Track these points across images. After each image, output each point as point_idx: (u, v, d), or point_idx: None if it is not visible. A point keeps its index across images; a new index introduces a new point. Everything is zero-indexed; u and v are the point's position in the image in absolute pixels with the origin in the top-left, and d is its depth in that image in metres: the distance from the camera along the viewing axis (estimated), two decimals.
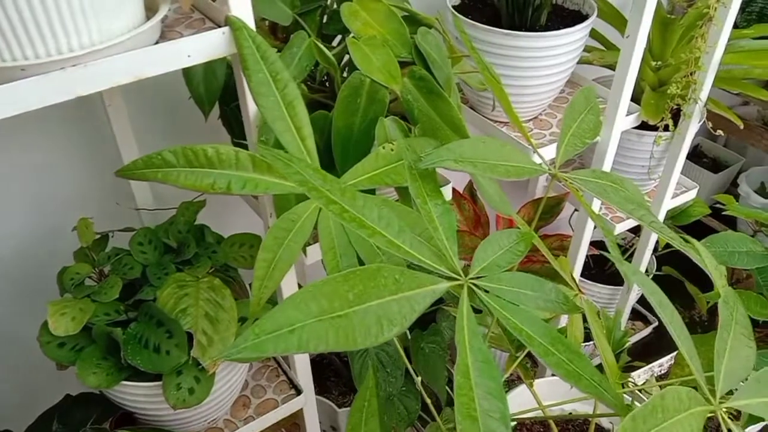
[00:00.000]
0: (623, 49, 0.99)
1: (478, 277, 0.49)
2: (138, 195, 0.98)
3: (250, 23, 0.67)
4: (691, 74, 1.09)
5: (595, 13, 1.05)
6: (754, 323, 1.04)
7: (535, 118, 1.16)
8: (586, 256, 1.54)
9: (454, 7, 1.11)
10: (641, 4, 0.93)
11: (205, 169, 0.57)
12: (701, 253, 0.67)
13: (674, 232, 0.66)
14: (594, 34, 1.25)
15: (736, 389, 0.49)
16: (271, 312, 0.37)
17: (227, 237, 0.90)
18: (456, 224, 0.52)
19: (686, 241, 0.75)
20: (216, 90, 0.80)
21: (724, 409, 0.50)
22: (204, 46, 0.64)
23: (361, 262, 0.61)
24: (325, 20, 0.89)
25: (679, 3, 1.09)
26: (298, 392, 0.99)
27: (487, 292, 0.48)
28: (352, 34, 0.78)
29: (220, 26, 0.68)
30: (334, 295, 0.39)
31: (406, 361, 0.71)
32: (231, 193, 0.57)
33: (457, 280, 0.47)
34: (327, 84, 0.86)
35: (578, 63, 1.12)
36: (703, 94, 1.12)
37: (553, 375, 0.96)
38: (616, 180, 0.66)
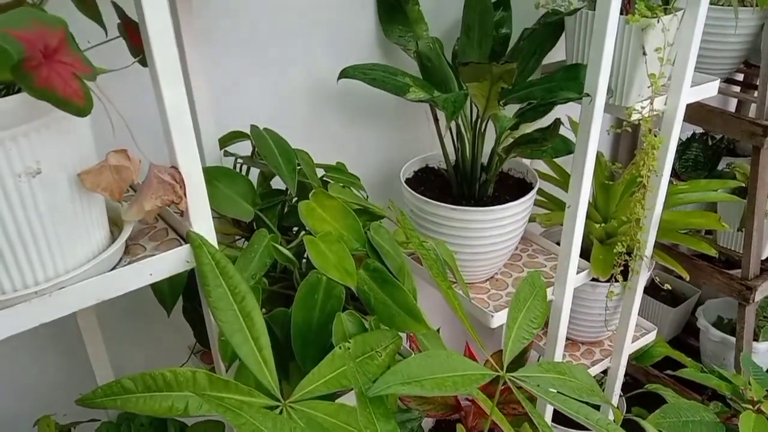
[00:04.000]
0: (566, 219, 1.06)
1: None
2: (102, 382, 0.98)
3: (211, 237, 0.71)
4: (633, 234, 1.16)
5: (538, 183, 1.13)
6: None
7: (491, 278, 1.21)
8: None
9: (407, 180, 1.19)
10: (578, 184, 1.01)
11: (163, 393, 0.59)
12: None
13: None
14: (541, 192, 1.34)
15: None
16: None
17: (190, 426, 0.90)
18: None
19: (638, 415, 0.77)
20: (179, 286, 0.83)
21: None
22: (165, 265, 0.68)
23: None
24: (285, 210, 0.94)
25: (616, 170, 1.19)
26: None
27: None
28: (309, 231, 0.83)
29: (183, 237, 0.73)
30: None
31: None
32: (189, 415, 0.59)
33: None
34: (287, 272, 0.90)
35: (528, 222, 1.19)
36: (648, 251, 1.19)
37: None
38: (563, 370, 0.69)
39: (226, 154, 0.98)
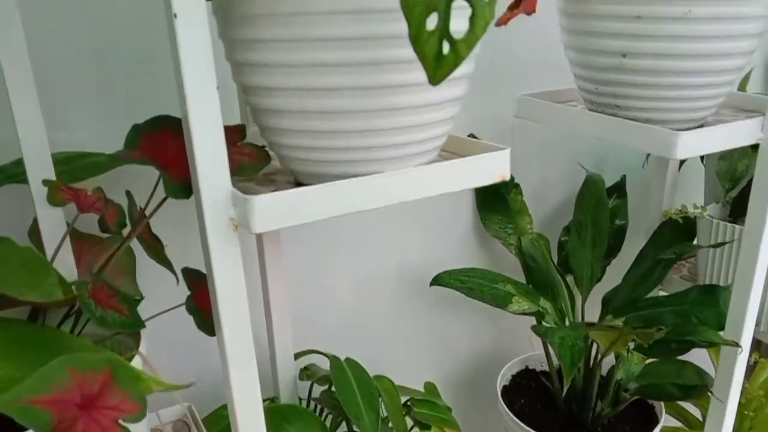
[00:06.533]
0: None
1: None
2: None
3: None
4: None
5: (663, 416, 0.94)
6: None
7: None
8: None
9: (504, 388, 1.04)
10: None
11: None
12: None
13: None
14: None
15: None
16: None
17: None
18: None
19: None
20: None
21: None
22: None
23: None
24: None
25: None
26: None
27: None
28: None
29: None
30: None
31: None
32: None
33: None
34: None
35: None
36: None
37: None
38: None
39: (302, 374, 0.86)
